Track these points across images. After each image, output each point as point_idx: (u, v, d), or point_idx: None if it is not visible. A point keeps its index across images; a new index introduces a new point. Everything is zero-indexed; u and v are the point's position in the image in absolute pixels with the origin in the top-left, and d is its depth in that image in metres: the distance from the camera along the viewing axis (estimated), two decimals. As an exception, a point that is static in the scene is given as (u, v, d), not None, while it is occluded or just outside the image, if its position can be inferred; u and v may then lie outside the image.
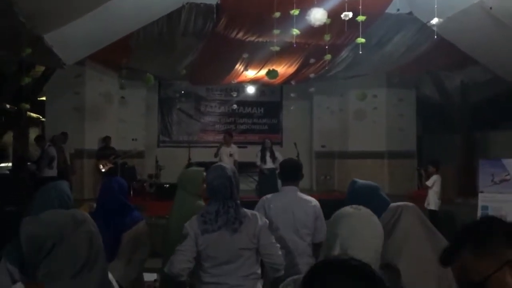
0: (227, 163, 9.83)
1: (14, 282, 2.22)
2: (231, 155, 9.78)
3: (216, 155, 9.95)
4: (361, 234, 1.58)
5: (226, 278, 2.58)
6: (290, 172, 3.42)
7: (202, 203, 3.28)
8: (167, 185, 10.18)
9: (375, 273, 1.13)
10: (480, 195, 8.43)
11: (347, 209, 1.70)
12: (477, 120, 10.94)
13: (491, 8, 6.36)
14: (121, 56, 9.40)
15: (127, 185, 3.27)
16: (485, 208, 8.26)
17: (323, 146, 13.38)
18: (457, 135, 11.19)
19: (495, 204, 8.21)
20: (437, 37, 6.93)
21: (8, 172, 10.96)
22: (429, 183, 8.23)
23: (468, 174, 10.60)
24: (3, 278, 2.27)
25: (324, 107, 13.35)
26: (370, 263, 1.40)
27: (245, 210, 2.71)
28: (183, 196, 3.29)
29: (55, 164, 9.19)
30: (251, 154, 10.19)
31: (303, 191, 3.55)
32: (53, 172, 9.06)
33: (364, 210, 1.69)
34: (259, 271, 2.71)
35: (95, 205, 3.36)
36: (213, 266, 2.58)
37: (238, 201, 2.71)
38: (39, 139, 9.68)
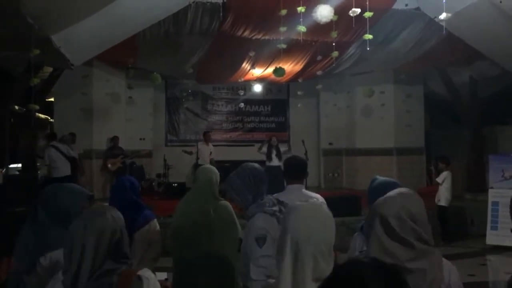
0: (208, 162, 9.91)
1: (22, 280, 2.23)
2: (211, 153, 10.11)
3: (189, 152, 10.36)
4: (308, 226, 1.54)
5: None
6: (295, 170, 3.38)
7: (226, 203, 3.29)
8: (175, 184, 10.20)
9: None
10: (490, 190, 8.40)
11: (294, 204, 1.66)
12: (486, 115, 10.85)
13: (501, 1, 6.29)
14: (128, 56, 9.43)
15: (138, 183, 3.27)
16: (495, 204, 8.22)
17: (330, 144, 13.35)
18: (466, 131, 11.11)
19: (505, 200, 8.15)
20: (445, 32, 6.88)
21: (18, 173, 11.03)
22: (439, 179, 8.17)
23: (477, 170, 10.53)
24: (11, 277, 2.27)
25: (331, 104, 13.31)
26: (319, 256, 1.47)
27: None
28: (204, 195, 3.27)
29: (59, 164, 9.09)
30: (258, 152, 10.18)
31: (311, 188, 3.54)
32: (61, 172, 9.02)
33: (312, 202, 1.67)
34: None
35: (106, 205, 3.36)
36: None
37: None
38: (48, 136, 9.69)
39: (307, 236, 1.52)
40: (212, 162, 9.88)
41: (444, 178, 8.17)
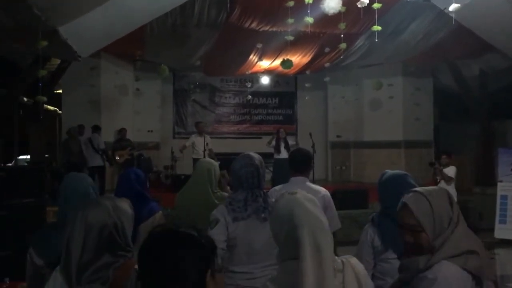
0: (202, 155, 9.53)
1: (40, 274, 2.25)
2: (207, 144, 9.64)
3: (183, 147, 9.94)
4: (316, 215, 1.59)
5: (255, 267, 2.52)
6: (300, 163, 3.36)
7: (224, 194, 3.27)
8: (183, 176, 10.21)
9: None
10: (499, 184, 8.33)
11: (289, 197, 1.68)
12: (495, 108, 10.74)
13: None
14: (136, 48, 9.44)
15: (145, 176, 3.27)
16: (504, 197, 8.16)
17: (338, 136, 13.29)
18: (475, 124, 11.01)
19: (514, 194, 8.10)
20: (454, 24, 6.79)
21: (26, 164, 11.13)
22: (452, 174, 7.38)
23: (486, 163, 10.45)
24: (29, 267, 2.28)
25: (339, 97, 13.23)
26: (332, 243, 1.57)
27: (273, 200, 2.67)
28: (201, 187, 3.26)
29: (88, 155, 9.88)
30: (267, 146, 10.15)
31: (318, 181, 3.52)
32: (91, 163, 9.83)
33: (300, 192, 1.70)
34: None
35: (110, 195, 3.37)
36: (243, 254, 2.53)
37: (265, 191, 2.67)
38: (92, 128, 10.07)
39: (322, 226, 1.57)
40: (211, 154, 9.50)
41: (455, 172, 7.43)
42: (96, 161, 9.91)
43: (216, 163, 3.42)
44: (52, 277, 1.76)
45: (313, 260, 1.49)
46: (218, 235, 2.53)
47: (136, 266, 1.71)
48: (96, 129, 10.06)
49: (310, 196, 1.71)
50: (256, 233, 2.51)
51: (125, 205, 1.83)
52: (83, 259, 1.64)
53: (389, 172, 2.66)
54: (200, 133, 9.84)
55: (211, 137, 10.34)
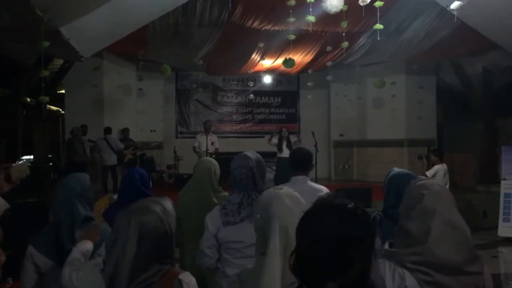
0: (204, 154, 9.37)
1: (38, 270, 2.26)
2: (212, 143, 9.60)
3: (195, 149, 9.71)
4: (293, 211, 1.61)
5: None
6: (301, 162, 3.35)
7: (226, 194, 3.27)
8: (186, 176, 10.22)
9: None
10: (502, 182, 8.29)
11: (273, 191, 1.73)
12: (499, 106, 10.70)
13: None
14: (138, 47, 9.44)
15: (148, 175, 3.26)
16: (508, 195, 8.12)
17: (341, 135, 13.29)
18: (479, 122, 10.98)
19: (518, 192, 8.06)
20: (457, 21, 6.77)
21: (30, 164, 11.16)
22: (429, 173, 7.06)
23: (490, 161, 10.42)
24: (28, 265, 2.29)
25: (342, 96, 13.19)
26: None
27: None
28: (202, 186, 3.26)
29: (105, 155, 10.00)
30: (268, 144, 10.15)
31: (321, 180, 3.51)
32: (106, 162, 10.03)
33: (286, 189, 1.74)
34: None
35: (115, 196, 3.37)
36: (236, 258, 2.52)
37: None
38: (104, 130, 10.15)
39: (295, 222, 1.56)
40: (214, 153, 9.37)
41: (435, 172, 6.98)
42: (113, 160, 10.05)
43: (215, 162, 3.39)
44: (88, 271, 1.75)
45: (281, 255, 1.51)
46: (209, 246, 2.58)
47: (179, 276, 1.67)
48: (109, 130, 10.19)
49: (295, 194, 1.73)
50: (247, 238, 2.42)
51: (170, 206, 1.75)
52: (133, 270, 1.58)
53: (394, 170, 2.67)
54: (207, 132, 9.82)
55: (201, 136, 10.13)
